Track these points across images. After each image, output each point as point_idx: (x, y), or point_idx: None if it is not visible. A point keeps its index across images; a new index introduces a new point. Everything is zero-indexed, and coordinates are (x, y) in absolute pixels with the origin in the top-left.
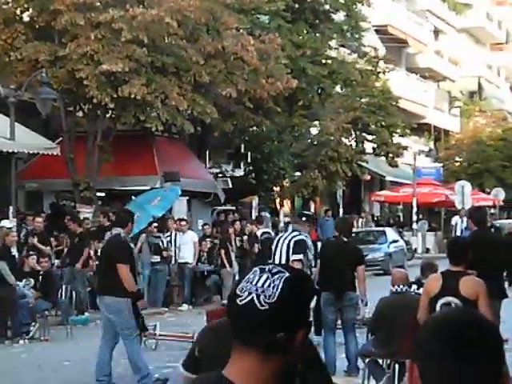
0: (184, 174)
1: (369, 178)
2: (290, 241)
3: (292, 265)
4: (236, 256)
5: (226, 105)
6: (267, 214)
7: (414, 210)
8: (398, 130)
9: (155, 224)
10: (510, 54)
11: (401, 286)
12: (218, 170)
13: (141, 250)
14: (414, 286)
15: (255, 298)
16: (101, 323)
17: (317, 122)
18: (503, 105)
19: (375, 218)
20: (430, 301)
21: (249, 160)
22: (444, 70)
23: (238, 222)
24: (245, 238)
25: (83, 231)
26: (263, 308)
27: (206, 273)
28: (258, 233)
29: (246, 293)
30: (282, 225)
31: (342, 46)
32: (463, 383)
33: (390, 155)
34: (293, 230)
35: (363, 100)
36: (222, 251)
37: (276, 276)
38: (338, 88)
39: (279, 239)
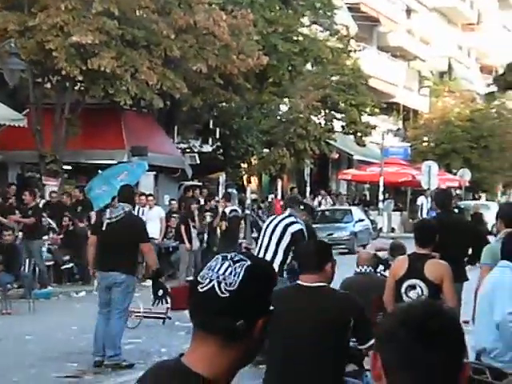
0: (152, 148)
1: (336, 156)
2: (284, 230)
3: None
4: (200, 232)
5: (196, 80)
6: (234, 191)
7: (381, 189)
8: (367, 109)
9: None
10: (481, 35)
11: (365, 267)
12: (185, 146)
13: None
14: (381, 267)
15: (216, 285)
16: (99, 300)
17: (286, 100)
18: (472, 86)
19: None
20: (396, 283)
21: (217, 136)
22: (415, 50)
23: (202, 198)
24: (208, 214)
25: (36, 204)
26: (224, 295)
27: (171, 249)
28: (227, 210)
29: (207, 280)
30: (248, 202)
31: (314, 23)
32: (426, 372)
33: (359, 134)
34: (289, 215)
35: (333, 78)
36: (182, 227)
37: (237, 264)
38: (308, 66)
39: (270, 223)
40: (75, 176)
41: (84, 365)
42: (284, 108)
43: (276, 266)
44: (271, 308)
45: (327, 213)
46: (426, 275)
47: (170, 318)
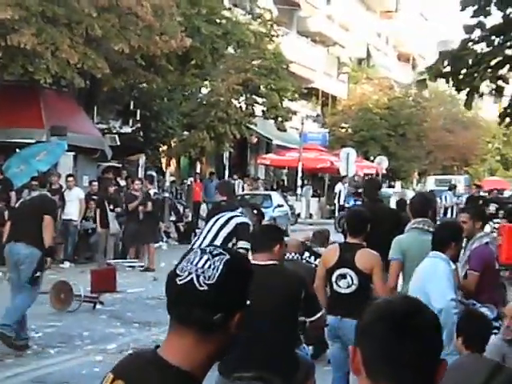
0: (71, 128)
1: (255, 140)
2: (229, 219)
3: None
4: (120, 215)
5: (118, 60)
6: (153, 173)
7: (299, 174)
8: (288, 94)
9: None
10: (399, 23)
11: (292, 254)
12: (105, 126)
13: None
14: (306, 254)
15: (195, 278)
16: (11, 282)
17: (207, 82)
18: (390, 73)
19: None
20: (327, 271)
21: (137, 117)
22: (334, 35)
23: (121, 180)
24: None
25: None
26: (202, 288)
27: (90, 231)
28: (151, 192)
29: (186, 273)
30: (167, 184)
31: (235, 5)
32: (405, 367)
33: (280, 119)
34: (241, 212)
35: (255, 62)
36: (98, 210)
37: (216, 258)
38: (231, 49)
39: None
40: None
41: (5, 347)
42: (205, 91)
43: None
44: (248, 302)
45: (247, 197)
46: (356, 265)
47: (102, 303)
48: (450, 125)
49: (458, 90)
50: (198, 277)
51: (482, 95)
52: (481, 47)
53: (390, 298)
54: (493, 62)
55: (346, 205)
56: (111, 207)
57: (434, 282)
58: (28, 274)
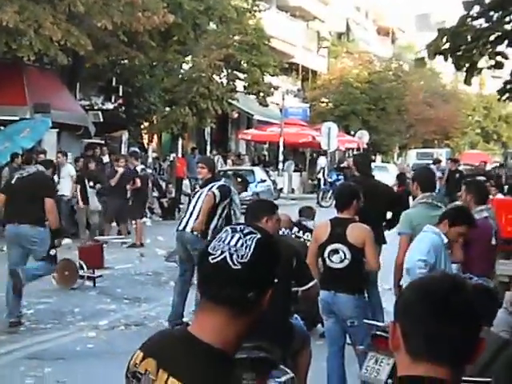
0: (54, 105)
1: (236, 116)
2: (212, 187)
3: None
4: (101, 193)
5: (101, 37)
6: (137, 150)
7: (281, 149)
8: (270, 70)
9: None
10: None
11: (282, 229)
12: (87, 103)
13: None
14: (295, 229)
15: (228, 257)
16: (10, 259)
17: (189, 58)
18: (369, 47)
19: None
20: (319, 248)
21: (120, 94)
22: (314, 10)
23: (104, 156)
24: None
25: None
26: (236, 267)
27: (74, 207)
28: (138, 168)
29: (219, 251)
30: (150, 160)
31: None
32: (446, 345)
33: (261, 94)
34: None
35: (236, 38)
36: (78, 186)
37: (248, 237)
38: (213, 25)
39: (200, 194)
40: None
41: None
42: (186, 67)
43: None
44: (276, 280)
45: (229, 173)
46: (347, 239)
47: (94, 285)
48: (430, 98)
49: (457, 66)
50: (231, 255)
51: (480, 71)
52: (479, 23)
53: (432, 275)
54: (492, 38)
55: (329, 179)
56: (91, 184)
57: (410, 250)
58: (42, 253)
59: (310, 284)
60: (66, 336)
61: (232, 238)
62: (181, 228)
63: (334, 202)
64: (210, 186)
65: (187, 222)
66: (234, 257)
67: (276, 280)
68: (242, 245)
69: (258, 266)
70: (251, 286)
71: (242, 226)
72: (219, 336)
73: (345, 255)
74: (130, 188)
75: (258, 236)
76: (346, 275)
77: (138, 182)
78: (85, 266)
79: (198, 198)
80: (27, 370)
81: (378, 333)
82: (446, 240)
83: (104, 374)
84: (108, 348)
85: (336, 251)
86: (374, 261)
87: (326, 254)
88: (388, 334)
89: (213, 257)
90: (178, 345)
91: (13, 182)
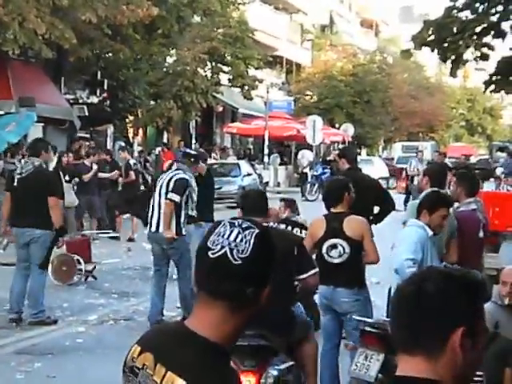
0: (40, 99)
1: (221, 109)
2: (170, 180)
3: (163, 205)
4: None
5: (85, 30)
6: (122, 143)
7: (266, 143)
8: (254, 63)
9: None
10: None
11: (270, 223)
12: (72, 97)
13: None
14: (282, 225)
15: (228, 252)
16: (17, 256)
17: (174, 51)
18: (353, 40)
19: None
20: (315, 244)
21: (105, 87)
22: (297, 2)
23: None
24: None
25: None
26: (237, 262)
27: None
28: (131, 162)
29: (219, 246)
30: (136, 154)
31: None
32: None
33: (246, 87)
34: (176, 169)
35: (220, 31)
36: None
37: (247, 231)
38: (197, 17)
39: (161, 179)
40: None
41: None
42: (171, 60)
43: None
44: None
45: (215, 166)
46: (345, 233)
47: (95, 278)
48: (414, 91)
49: (443, 58)
50: (231, 250)
51: (465, 62)
52: (465, 15)
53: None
54: (477, 29)
55: (315, 173)
56: (67, 178)
57: (398, 247)
58: (39, 256)
59: (311, 272)
60: (55, 331)
61: (231, 232)
62: (153, 230)
63: (325, 198)
64: (169, 178)
65: (158, 223)
66: (235, 252)
67: (276, 272)
68: (241, 240)
69: (258, 261)
70: (251, 281)
71: (240, 221)
72: (217, 330)
73: (344, 249)
74: (122, 181)
75: (257, 231)
76: (345, 269)
77: (133, 175)
78: (82, 261)
79: (160, 189)
80: (17, 365)
81: (367, 329)
82: (430, 233)
83: (94, 368)
84: (97, 343)
85: (334, 246)
86: (373, 253)
87: (324, 250)
88: (377, 329)
89: (212, 251)
90: (175, 339)
91: (15, 183)
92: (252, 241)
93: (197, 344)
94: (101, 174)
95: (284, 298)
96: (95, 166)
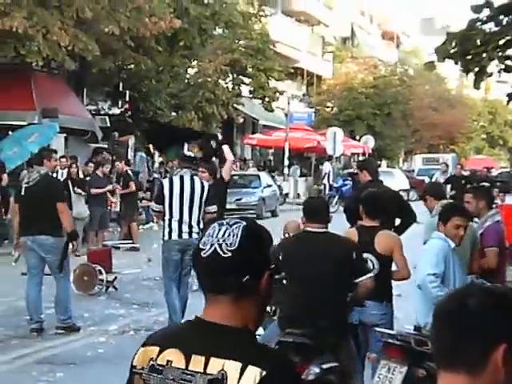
0: (62, 110)
1: (241, 120)
2: (202, 189)
3: (196, 212)
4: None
5: (108, 42)
6: (143, 155)
7: (286, 154)
8: (275, 74)
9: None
10: (383, 1)
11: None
12: (94, 108)
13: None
14: None
15: (217, 247)
16: (27, 264)
17: (195, 63)
18: (374, 52)
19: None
20: None
21: (127, 99)
22: (318, 15)
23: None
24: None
25: None
26: (226, 255)
27: None
28: (130, 172)
29: (209, 245)
30: (156, 165)
31: None
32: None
33: (267, 99)
34: (192, 175)
35: (241, 42)
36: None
37: (234, 226)
38: (219, 30)
39: (179, 182)
40: None
41: (9, 329)
42: (192, 71)
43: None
44: (275, 262)
45: (235, 178)
46: (376, 248)
47: (116, 289)
48: (435, 103)
49: (466, 70)
50: (220, 246)
51: (489, 75)
52: (489, 27)
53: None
54: (501, 42)
55: (335, 185)
56: (75, 189)
57: (421, 260)
58: (56, 262)
59: (369, 275)
60: (76, 341)
61: (219, 230)
62: (185, 236)
63: (368, 210)
64: (199, 187)
65: (191, 230)
66: (223, 246)
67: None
68: (229, 234)
69: (248, 250)
70: (245, 270)
71: (228, 220)
72: (230, 322)
73: (373, 264)
74: (119, 191)
75: (244, 224)
76: (374, 284)
77: (133, 186)
78: (104, 272)
79: (186, 195)
80: (39, 374)
81: (390, 341)
82: (453, 244)
83: (114, 378)
84: (118, 353)
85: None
86: (405, 269)
87: None
88: (400, 341)
89: (204, 251)
90: (200, 331)
91: (22, 192)
92: (239, 233)
93: (227, 330)
94: (96, 190)
95: (338, 301)
96: (109, 186)
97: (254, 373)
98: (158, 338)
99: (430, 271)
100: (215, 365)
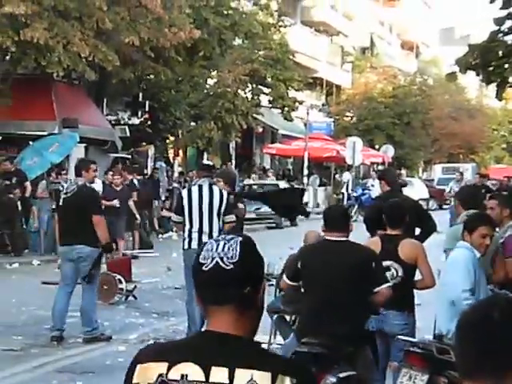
0: (82, 120)
1: (261, 130)
2: (221, 198)
3: (216, 221)
4: None
5: (128, 53)
6: (163, 164)
7: (305, 164)
8: (294, 84)
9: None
10: (402, 11)
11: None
12: (114, 118)
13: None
14: None
15: (219, 260)
16: (62, 273)
17: (215, 73)
18: (394, 62)
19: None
20: None
21: (146, 109)
22: (338, 25)
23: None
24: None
25: None
26: (229, 268)
27: None
28: (135, 181)
29: (209, 259)
30: (176, 175)
31: None
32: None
33: (286, 109)
34: (210, 184)
35: (261, 52)
36: None
37: (232, 241)
38: (238, 40)
39: (198, 191)
40: (5, 147)
41: (29, 338)
42: (211, 82)
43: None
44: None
45: (255, 187)
46: (400, 256)
47: (135, 298)
48: (455, 113)
49: (488, 82)
50: (221, 259)
51: (511, 86)
52: (510, 38)
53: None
54: None
55: (354, 194)
56: None
57: (450, 273)
58: (87, 268)
59: (387, 284)
60: (96, 350)
61: (218, 245)
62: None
63: (389, 218)
64: (218, 196)
65: (211, 238)
66: (225, 259)
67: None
68: (228, 248)
69: (248, 263)
70: (245, 281)
71: (223, 235)
72: (236, 332)
73: (397, 272)
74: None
75: (240, 239)
76: (396, 292)
77: (135, 196)
78: (123, 281)
79: (201, 199)
80: (59, 383)
81: (412, 349)
82: (478, 254)
83: None
84: None
85: (387, 268)
86: (430, 277)
87: None
88: (422, 350)
89: (205, 265)
90: (213, 343)
91: (61, 203)
92: (238, 247)
93: (241, 341)
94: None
95: (355, 310)
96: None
97: (285, 382)
98: (161, 354)
99: (465, 287)
100: (243, 375)
